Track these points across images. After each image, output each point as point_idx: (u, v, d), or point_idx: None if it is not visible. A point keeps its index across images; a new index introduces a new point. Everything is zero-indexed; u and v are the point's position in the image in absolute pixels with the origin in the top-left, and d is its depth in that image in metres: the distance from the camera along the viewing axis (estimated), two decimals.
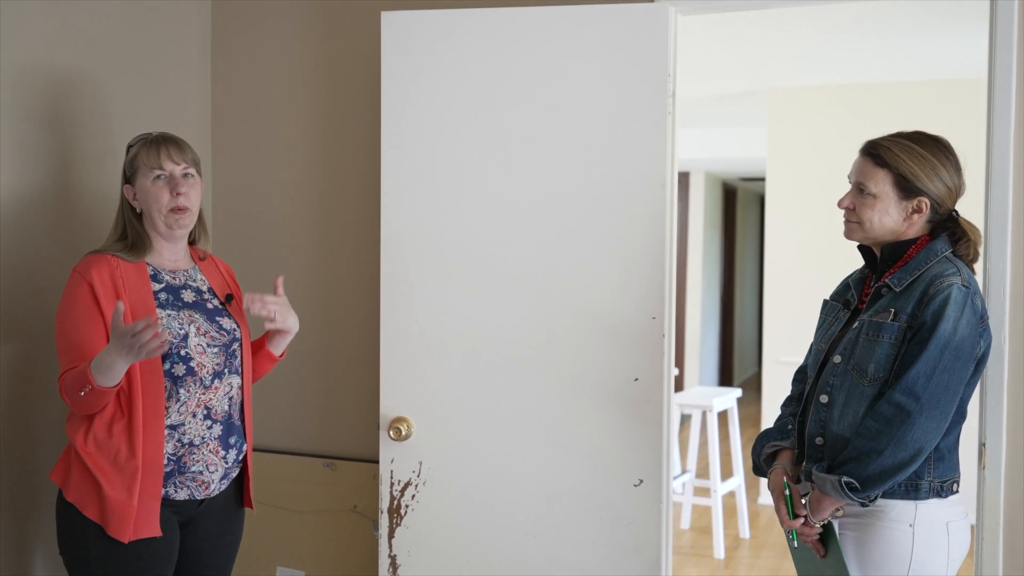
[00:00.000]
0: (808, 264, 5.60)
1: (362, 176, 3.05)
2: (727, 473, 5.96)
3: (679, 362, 9.47)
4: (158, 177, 2.28)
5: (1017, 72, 2.48)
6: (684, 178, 9.66)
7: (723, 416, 7.35)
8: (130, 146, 2.35)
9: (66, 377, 2.16)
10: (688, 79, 5.85)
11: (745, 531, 5.55)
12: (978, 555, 2.55)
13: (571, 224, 2.71)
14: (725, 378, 10.91)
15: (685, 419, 8.06)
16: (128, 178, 2.33)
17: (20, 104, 2.53)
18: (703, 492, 5.87)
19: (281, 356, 2.53)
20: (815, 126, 5.85)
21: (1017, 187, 2.48)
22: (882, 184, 2.14)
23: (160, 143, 2.31)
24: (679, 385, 9.24)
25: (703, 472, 6.20)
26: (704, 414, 5.52)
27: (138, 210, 2.32)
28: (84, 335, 2.19)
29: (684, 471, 5.68)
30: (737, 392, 5.68)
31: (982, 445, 2.52)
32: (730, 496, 5.92)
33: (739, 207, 11.42)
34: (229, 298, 2.41)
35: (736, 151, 8.37)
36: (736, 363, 11.32)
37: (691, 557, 5.22)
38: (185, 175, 2.31)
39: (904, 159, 2.12)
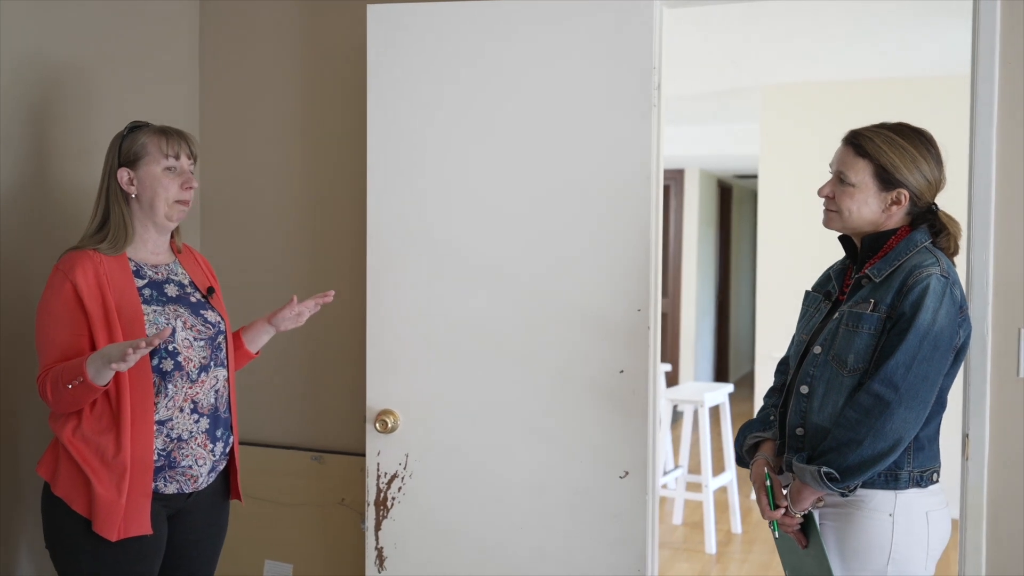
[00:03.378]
0: (801, 261, 5.57)
1: (348, 170, 3.06)
2: (719, 468, 5.97)
3: (673, 358, 9.48)
4: (171, 168, 2.29)
5: (1000, 69, 2.49)
6: (679, 175, 9.67)
7: (716, 412, 7.36)
8: (130, 130, 2.31)
9: (51, 372, 2.16)
10: (681, 75, 5.85)
11: (737, 526, 5.56)
12: (961, 545, 2.56)
13: (556, 217, 2.71)
14: (721, 375, 10.92)
15: (678, 415, 8.07)
16: (125, 162, 2.28)
17: (5, 97, 2.53)
18: (695, 487, 5.88)
19: (257, 354, 2.55)
20: (808, 122, 5.86)
21: (999, 181, 2.49)
22: (862, 174, 2.15)
23: (176, 134, 2.32)
24: (673, 381, 9.25)
25: (695, 467, 6.21)
26: (696, 409, 5.53)
27: (132, 195, 2.29)
28: (65, 335, 2.19)
29: (676, 466, 5.69)
30: (729, 387, 5.68)
31: (965, 436, 2.53)
32: (722, 491, 5.93)
33: (734, 204, 11.43)
34: (210, 291, 2.41)
35: (730, 148, 8.38)
36: (732, 360, 11.33)
37: (683, 552, 5.23)
38: (191, 170, 2.34)
39: (885, 150, 2.12)
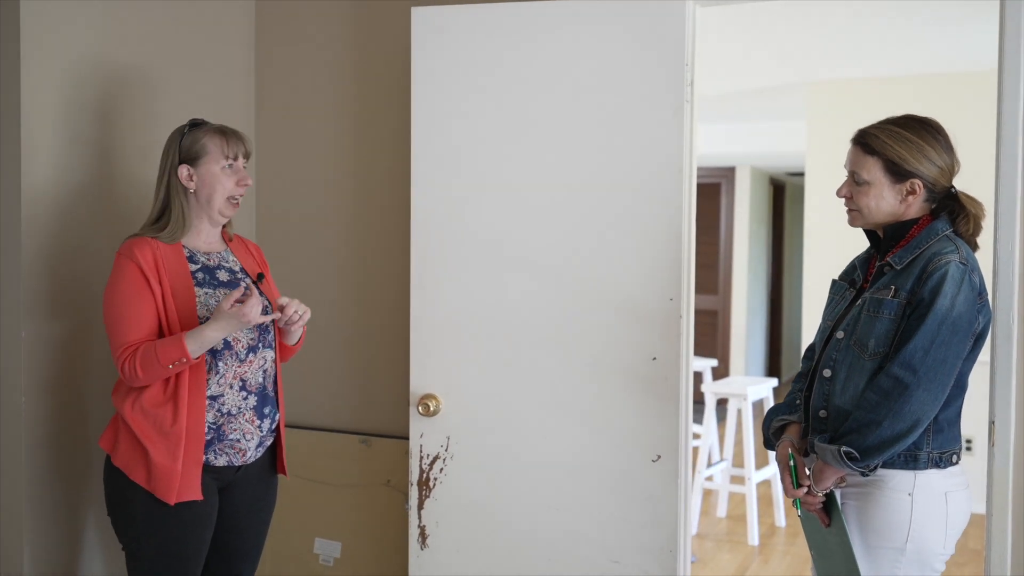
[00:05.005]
0: (848, 259, 5.59)
1: (394, 165, 3.19)
2: (762, 462, 6.00)
3: (723, 355, 9.51)
4: (229, 165, 2.46)
5: None
6: (729, 173, 9.69)
7: (762, 407, 7.37)
8: (189, 128, 2.48)
9: (139, 350, 2.31)
10: (728, 72, 5.91)
11: (781, 519, 5.60)
12: (988, 530, 2.60)
13: (592, 209, 2.82)
14: (773, 373, 10.89)
15: (725, 412, 8.10)
16: (185, 159, 2.44)
17: (74, 97, 2.71)
18: (739, 480, 5.92)
19: (298, 344, 2.66)
20: (853, 119, 5.80)
21: None
22: (873, 171, 2.23)
23: (234, 135, 2.49)
24: (722, 376, 9.27)
25: (739, 461, 6.26)
26: (740, 403, 5.58)
27: (191, 190, 2.45)
28: (139, 311, 2.35)
29: (721, 459, 5.74)
30: (773, 382, 5.72)
31: (991, 423, 2.58)
32: (766, 485, 5.97)
33: (787, 202, 11.38)
34: (260, 277, 2.56)
35: (780, 145, 8.38)
36: (784, 358, 11.29)
37: (726, 543, 5.30)
38: (244, 167, 2.51)
39: (891, 144, 2.20)
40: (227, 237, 2.59)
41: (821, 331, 2.40)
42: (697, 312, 9.03)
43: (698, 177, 9.25)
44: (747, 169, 9.69)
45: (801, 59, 5.71)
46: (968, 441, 5.34)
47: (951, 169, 2.23)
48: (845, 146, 2.37)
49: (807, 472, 2.28)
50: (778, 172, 10.58)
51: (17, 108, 2.56)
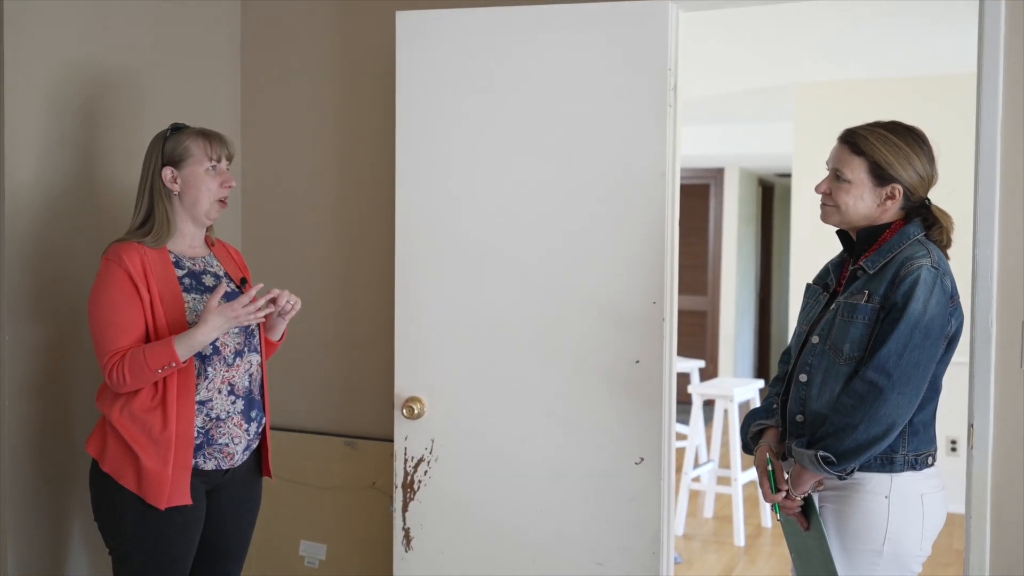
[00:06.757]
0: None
1: (379, 168, 3.21)
2: (749, 463, 6.02)
3: (712, 356, 9.54)
4: (213, 167, 2.47)
5: (1004, 69, 2.56)
6: (718, 174, 9.72)
7: (747, 407, 7.39)
8: (171, 131, 2.48)
9: (126, 356, 2.31)
10: (715, 74, 5.93)
11: (767, 520, 5.63)
12: (967, 532, 2.63)
13: (575, 212, 2.83)
14: (762, 374, 10.93)
15: (711, 413, 8.12)
16: (168, 162, 2.45)
17: (59, 99, 2.72)
18: (726, 481, 5.95)
19: (280, 340, 2.68)
20: (840, 121, 5.84)
21: (1003, 177, 2.56)
22: (858, 171, 2.25)
23: (217, 137, 2.50)
24: (711, 378, 9.29)
25: (726, 462, 6.28)
26: (726, 404, 5.60)
27: (175, 193, 2.45)
28: (127, 317, 2.35)
29: (708, 460, 5.77)
30: (760, 383, 5.74)
31: (970, 426, 2.60)
32: (752, 486, 5.98)
33: (776, 203, 11.42)
34: (243, 281, 2.57)
35: (768, 147, 8.41)
36: (773, 359, 11.32)
37: (712, 544, 5.32)
38: (227, 169, 2.51)
39: (879, 148, 2.22)
40: (210, 242, 2.60)
41: (797, 335, 2.42)
42: (685, 313, 9.06)
43: (686, 178, 9.31)
44: (736, 170, 9.71)
45: (789, 61, 5.74)
46: (953, 442, 5.38)
47: (930, 180, 2.26)
48: (832, 148, 2.38)
49: (785, 476, 2.30)
50: (767, 173, 10.61)
51: (1, 109, 2.56)
